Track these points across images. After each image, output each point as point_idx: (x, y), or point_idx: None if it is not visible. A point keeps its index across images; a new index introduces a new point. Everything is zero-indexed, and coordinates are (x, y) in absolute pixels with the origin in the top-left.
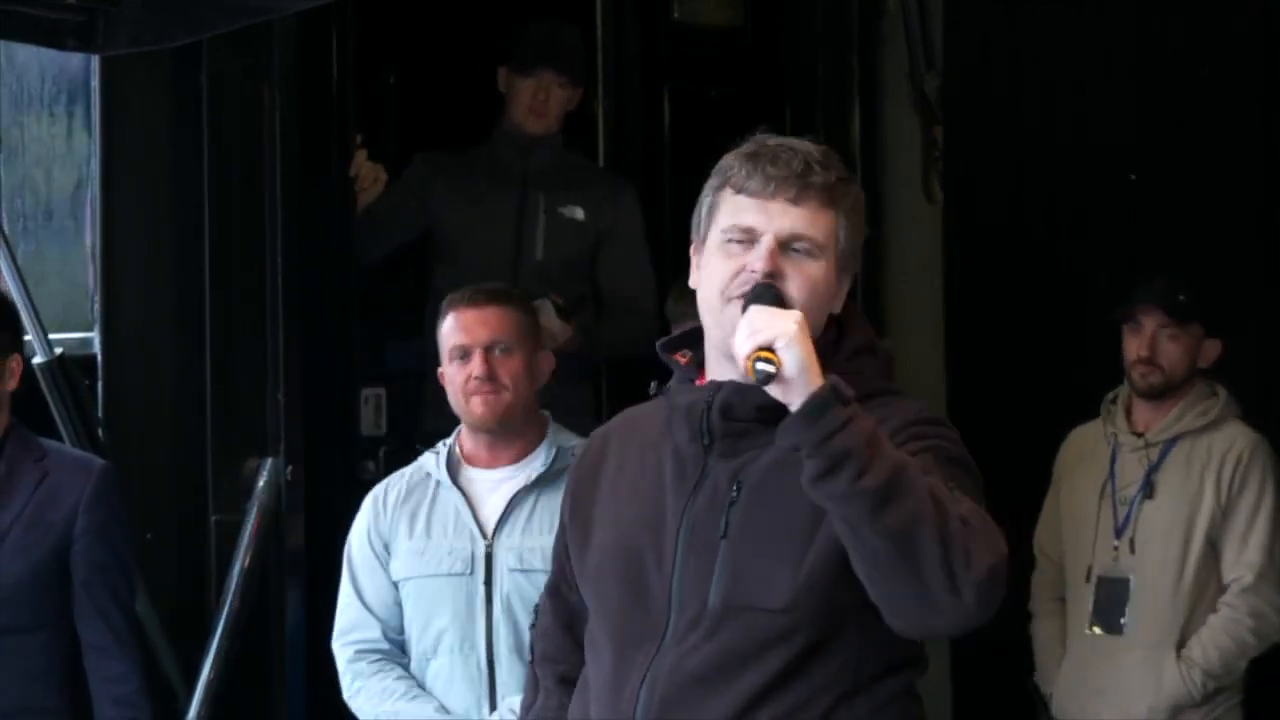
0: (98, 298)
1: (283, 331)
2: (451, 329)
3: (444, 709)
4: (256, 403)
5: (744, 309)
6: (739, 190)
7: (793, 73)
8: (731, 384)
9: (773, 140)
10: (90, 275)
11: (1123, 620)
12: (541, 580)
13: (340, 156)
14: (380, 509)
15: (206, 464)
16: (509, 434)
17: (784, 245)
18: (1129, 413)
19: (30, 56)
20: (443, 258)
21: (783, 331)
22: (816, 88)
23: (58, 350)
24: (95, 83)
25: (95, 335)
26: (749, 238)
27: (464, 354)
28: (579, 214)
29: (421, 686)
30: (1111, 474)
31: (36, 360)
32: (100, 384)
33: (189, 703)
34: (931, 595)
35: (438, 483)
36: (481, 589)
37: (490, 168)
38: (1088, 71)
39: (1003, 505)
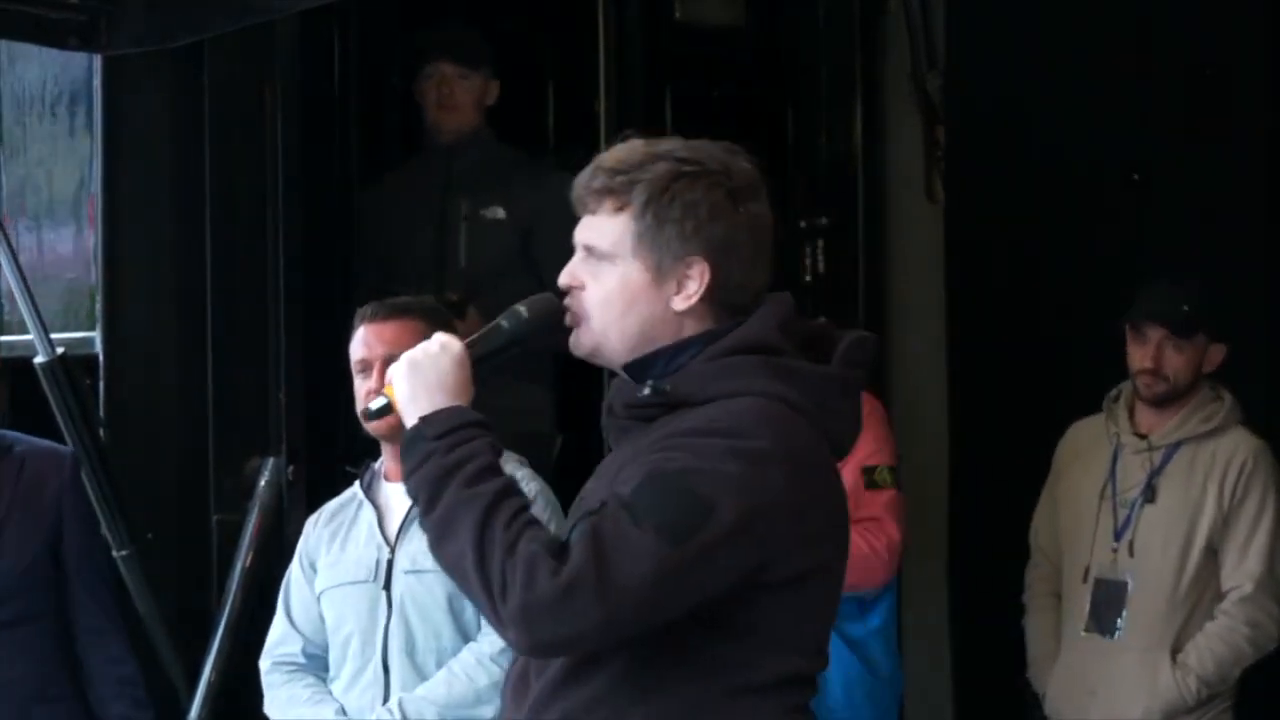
0: (99, 297)
1: (284, 331)
2: (355, 343)
3: (343, 711)
4: (258, 402)
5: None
6: None
7: (795, 72)
8: (617, 382)
9: (606, 151)
10: (92, 275)
11: (1119, 623)
12: (434, 581)
13: (342, 156)
14: (310, 529)
15: (208, 463)
16: None
17: (586, 257)
18: (1132, 413)
19: (32, 56)
20: (380, 270)
21: (396, 366)
22: (818, 87)
23: (59, 350)
24: (97, 82)
25: (97, 335)
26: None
27: (364, 368)
28: (500, 214)
29: (330, 692)
30: (1112, 475)
31: (38, 360)
32: (101, 383)
33: (190, 702)
34: (489, 620)
35: (359, 501)
36: (383, 594)
37: (417, 177)
38: (1090, 71)
39: (1004, 500)
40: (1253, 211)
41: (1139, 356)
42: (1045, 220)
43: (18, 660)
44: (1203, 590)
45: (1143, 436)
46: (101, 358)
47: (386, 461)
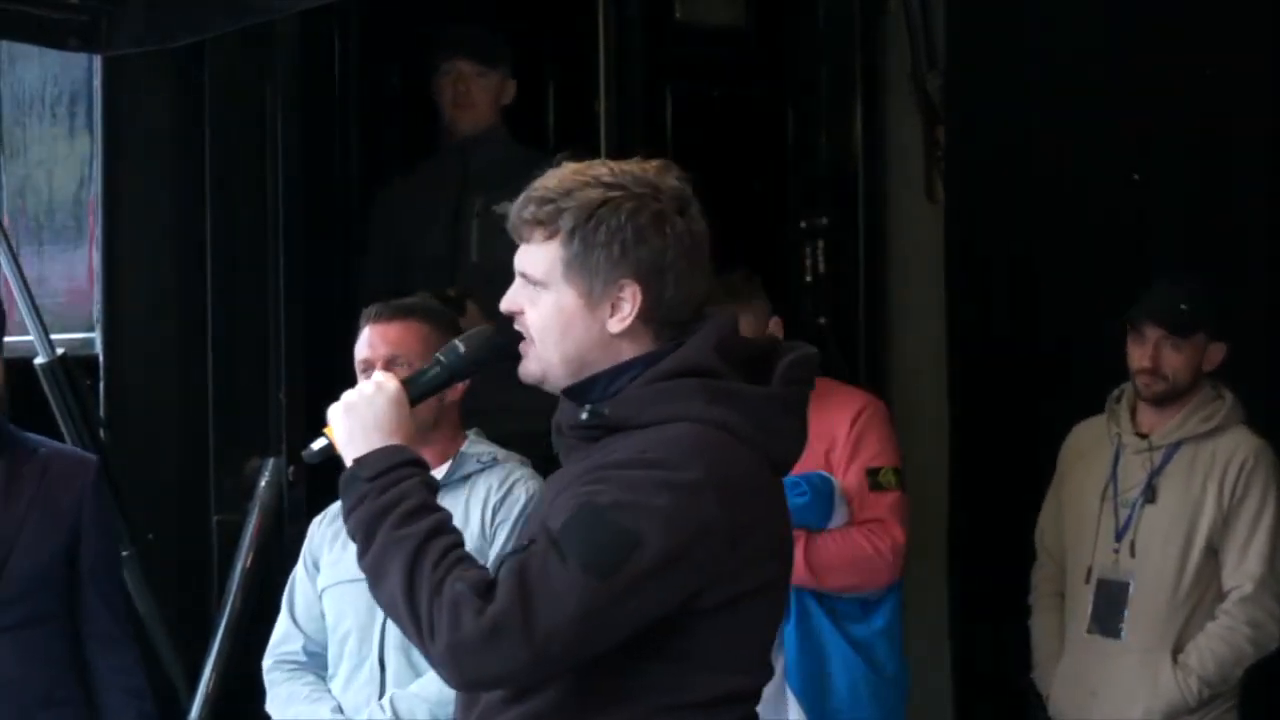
0: (99, 298)
1: (285, 331)
2: (360, 343)
3: (340, 709)
4: (258, 403)
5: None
6: None
7: (795, 72)
8: (562, 403)
9: (537, 180)
10: (92, 276)
11: (1121, 623)
12: None
13: (343, 157)
14: (315, 529)
15: (208, 464)
16: (415, 447)
17: (525, 283)
18: (1133, 413)
19: (33, 57)
20: (396, 267)
21: (333, 408)
22: (819, 87)
23: (59, 350)
24: (97, 83)
25: (97, 335)
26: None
27: (367, 368)
28: None
29: (329, 690)
30: (1113, 475)
31: (38, 360)
32: (102, 384)
33: (191, 703)
34: (425, 658)
35: None
36: None
37: (432, 174)
38: (1090, 71)
39: (1006, 501)
40: (1253, 211)
41: (1138, 356)
42: (1045, 220)
43: (26, 662)
44: (1204, 590)
45: (1144, 436)
46: (101, 358)
47: None
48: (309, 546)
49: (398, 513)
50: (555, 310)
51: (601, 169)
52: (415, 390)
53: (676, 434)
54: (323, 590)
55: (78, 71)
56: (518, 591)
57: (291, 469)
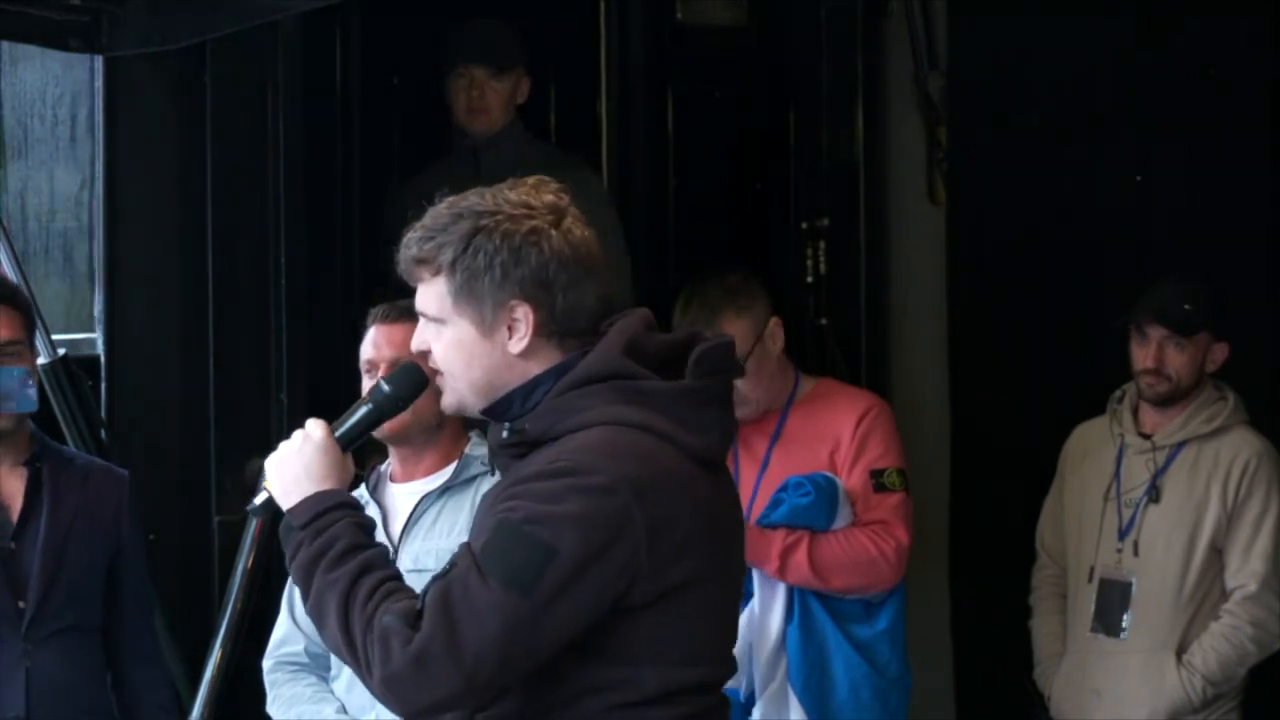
0: (101, 298)
1: (286, 332)
2: (365, 343)
3: (344, 710)
4: (260, 403)
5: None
6: None
7: (796, 73)
8: (491, 426)
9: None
10: (94, 276)
11: (1124, 623)
12: None
13: (344, 157)
14: None
15: (210, 465)
16: (419, 449)
17: (426, 321)
18: (1136, 413)
19: (34, 57)
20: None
21: (268, 465)
22: (820, 88)
23: (61, 351)
24: (99, 84)
25: (98, 336)
26: None
27: (371, 368)
28: None
29: (331, 691)
30: (1117, 475)
31: (40, 361)
32: (103, 385)
33: (192, 703)
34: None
35: (366, 501)
36: None
37: (444, 177)
38: (1092, 71)
39: (1007, 501)
40: (1256, 211)
41: (1141, 356)
42: (1047, 221)
43: (74, 668)
44: (1207, 590)
45: (1147, 436)
46: (103, 359)
47: (393, 463)
48: None
49: (329, 557)
50: (455, 343)
51: (474, 198)
52: (344, 436)
53: (587, 440)
54: None
55: (79, 72)
56: (441, 617)
57: None
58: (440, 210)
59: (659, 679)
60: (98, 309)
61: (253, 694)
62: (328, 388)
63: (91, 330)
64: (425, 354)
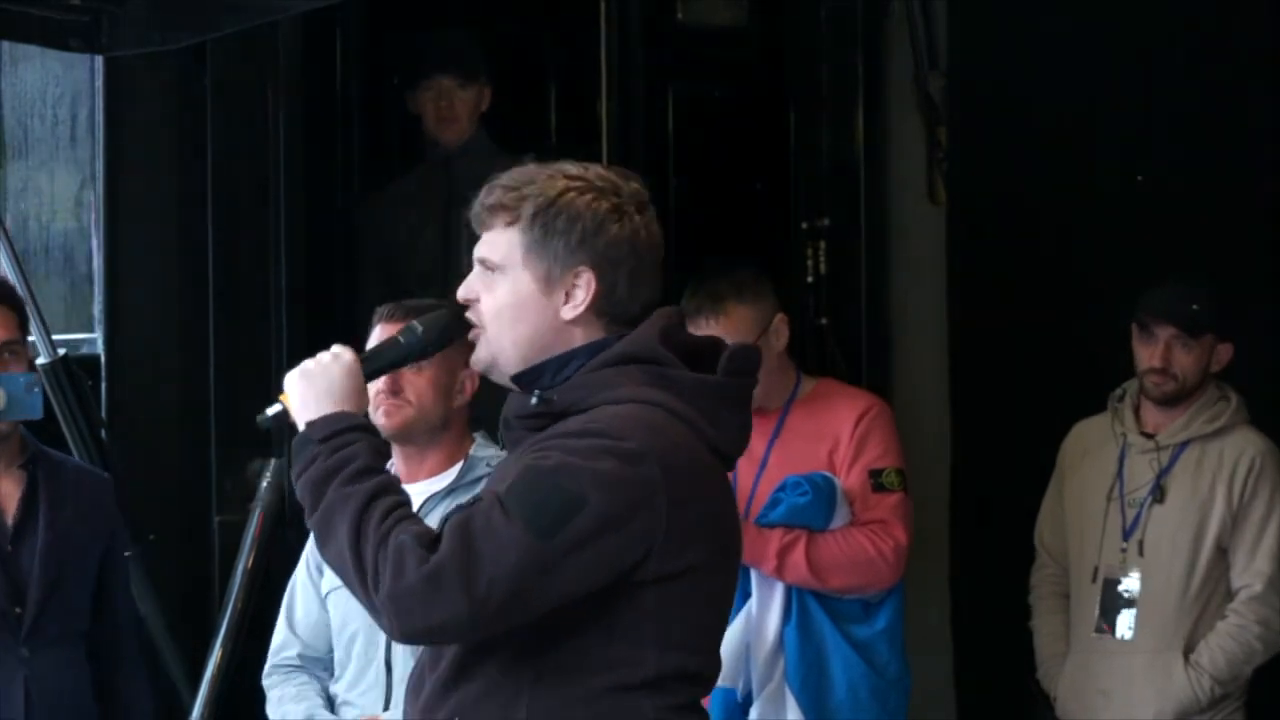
0: (101, 299)
1: (286, 332)
2: (370, 342)
3: (328, 706)
4: (259, 404)
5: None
6: None
7: (797, 73)
8: (511, 395)
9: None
10: (94, 276)
11: (1129, 623)
12: None
13: (344, 157)
14: None
15: (210, 465)
16: (423, 448)
17: (482, 270)
18: (1137, 412)
19: (35, 57)
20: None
21: (289, 378)
22: (820, 88)
23: (61, 351)
24: (99, 84)
25: (99, 336)
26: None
27: None
28: None
29: (327, 692)
30: (1120, 475)
31: (40, 361)
32: (104, 385)
33: (192, 703)
34: (369, 610)
35: None
36: None
37: (419, 188)
38: (1093, 71)
39: (1007, 501)
40: (1258, 212)
41: (1147, 355)
42: (1048, 221)
43: (72, 674)
44: (1213, 590)
45: (1149, 436)
46: (103, 359)
47: (397, 463)
48: (312, 550)
49: (346, 472)
50: (511, 294)
51: (566, 165)
52: (370, 365)
53: (619, 410)
54: (328, 593)
55: (80, 72)
56: (460, 543)
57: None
58: (528, 168)
59: (657, 662)
60: (98, 309)
61: (254, 695)
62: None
63: (91, 330)
64: (469, 304)
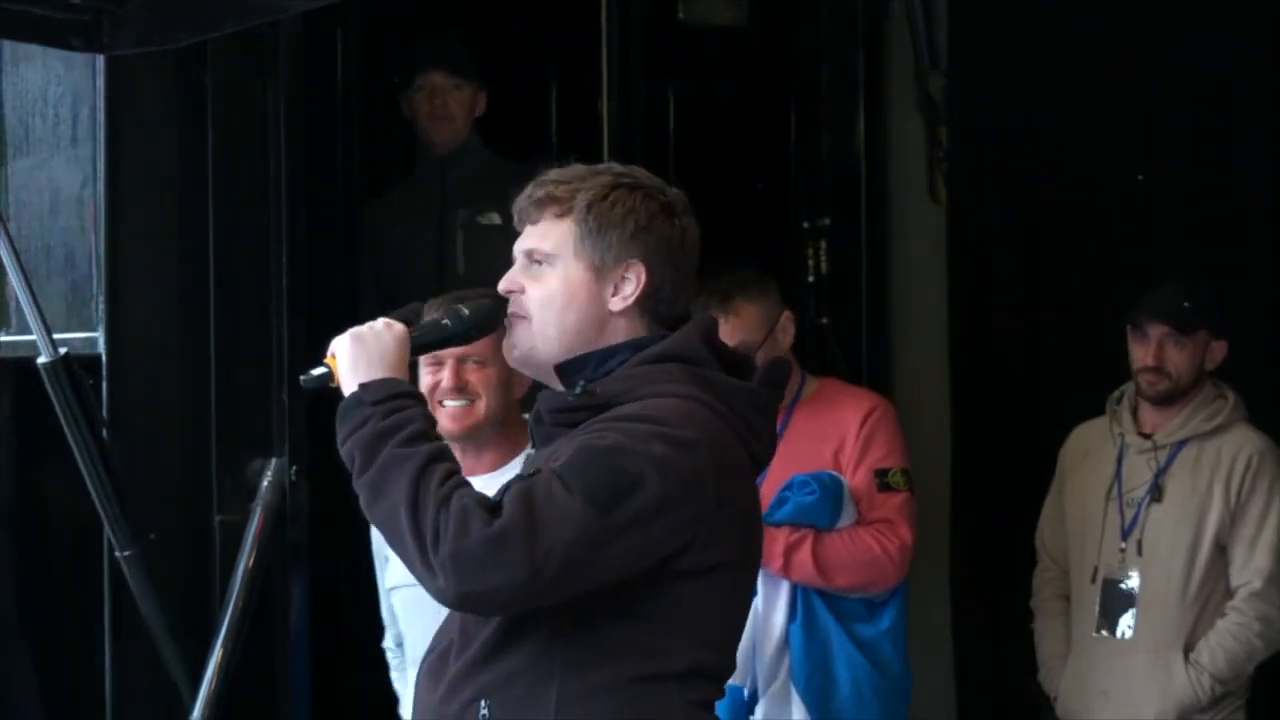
0: (102, 297)
1: (287, 331)
2: None
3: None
4: (261, 403)
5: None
6: None
7: (797, 73)
8: (544, 390)
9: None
10: (94, 275)
11: (1129, 623)
12: None
13: (345, 156)
14: None
15: (211, 464)
16: (481, 445)
17: (528, 263)
18: (1135, 413)
19: (35, 56)
20: (382, 282)
21: (338, 342)
22: (821, 88)
23: (62, 350)
24: (100, 82)
25: (99, 335)
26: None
27: (437, 362)
28: (496, 219)
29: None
30: (1118, 475)
31: (41, 360)
32: (104, 384)
33: (193, 703)
34: (417, 574)
35: None
36: None
37: (414, 192)
38: (1093, 70)
39: (1008, 501)
40: (1258, 211)
41: (1140, 355)
42: (1048, 221)
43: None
44: (1212, 589)
45: (1147, 436)
46: (104, 358)
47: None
48: (379, 542)
49: (403, 434)
50: (562, 283)
51: (613, 165)
52: (417, 339)
53: (668, 401)
54: (391, 588)
55: (81, 71)
56: (522, 510)
57: (294, 469)
58: (576, 166)
59: (689, 655)
60: (99, 308)
61: (256, 693)
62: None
63: (93, 329)
64: (511, 294)
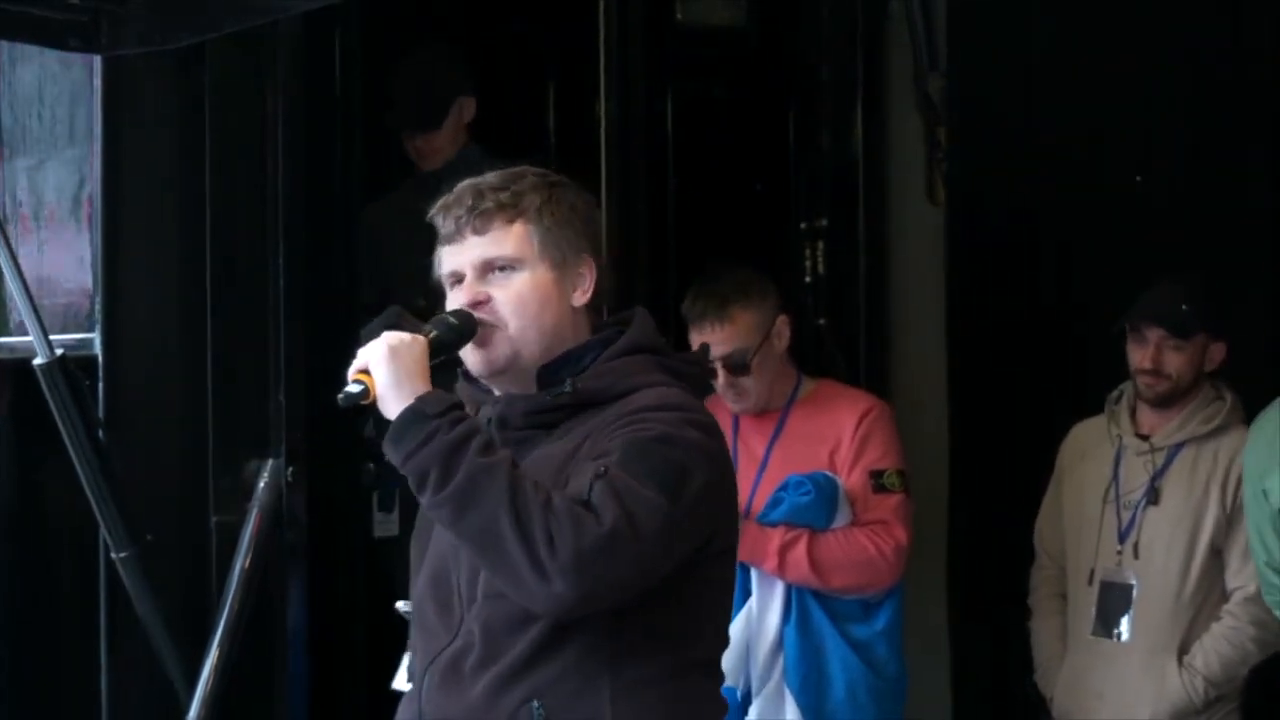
0: (99, 299)
1: (284, 333)
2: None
3: None
4: (258, 404)
5: (430, 340)
6: (442, 242)
7: (796, 74)
8: (506, 395)
9: (459, 185)
10: (91, 276)
11: (1125, 625)
12: None
13: (344, 157)
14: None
15: (207, 465)
16: None
17: (485, 273)
18: (1133, 414)
19: (33, 57)
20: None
21: (373, 354)
22: (820, 89)
23: (59, 351)
24: (98, 83)
25: (96, 336)
26: (459, 279)
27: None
28: None
29: None
30: (1115, 477)
31: (37, 361)
32: (101, 385)
33: (190, 704)
34: (523, 583)
35: None
36: None
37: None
38: (1092, 72)
39: (1006, 502)
40: (1256, 213)
41: (1139, 357)
42: (1047, 222)
43: None
44: (1208, 591)
45: (1145, 438)
46: (101, 359)
47: None
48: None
49: (477, 443)
50: (532, 286)
51: (526, 167)
52: (433, 349)
53: (668, 390)
54: None
55: (78, 72)
56: (618, 505)
57: (290, 470)
58: (493, 174)
59: (712, 641)
60: (96, 309)
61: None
62: (326, 388)
63: (90, 331)
64: (479, 305)
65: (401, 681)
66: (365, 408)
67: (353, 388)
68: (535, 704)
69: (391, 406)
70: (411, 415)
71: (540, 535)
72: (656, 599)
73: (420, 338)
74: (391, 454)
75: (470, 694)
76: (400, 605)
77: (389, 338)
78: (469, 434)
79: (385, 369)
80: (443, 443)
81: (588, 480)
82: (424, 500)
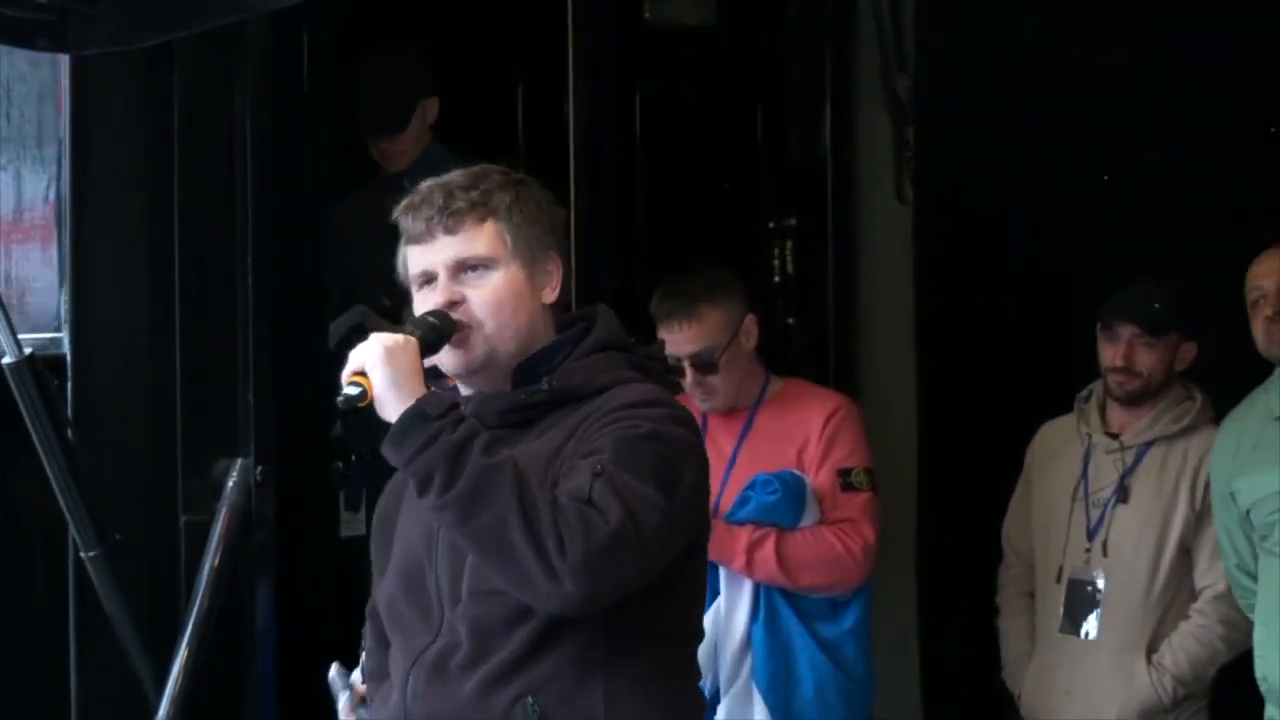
0: (67, 298)
1: (253, 332)
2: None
3: None
4: (227, 403)
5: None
6: (409, 242)
7: (765, 73)
8: (478, 395)
9: (425, 184)
10: (60, 275)
11: (1093, 623)
12: None
13: (313, 157)
14: None
15: (176, 464)
16: None
17: (458, 272)
18: (1103, 412)
19: (1, 55)
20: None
21: (369, 356)
22: (788, 88)
23: (27, 350)
24: (65, 82)
25: (65, 335)
26: (429, 279)
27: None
28: None
29: None
30: (1084, 475)
31: (5, 360)
32: (69, 384)
33: (159, 703)
34: (531, 583)
35: None
36: None
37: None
38: (1059, 71)
39: (975, 501)
40: (1222, 212)
41: (1110, 355)
42: (1015, 221)
43: None
44: (1177, 590)
45: (1114, 436)
46: (70, 359)
47: None
48: None
49: (479, 442)
50: (509, 284)
51: (486, 165)
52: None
53: (646, 386)
54: None
55: (46, 71)
56: (620, 503)
57: (259, 470)
58: (457, 173)
59: (694, 635)
60: (64, 308)
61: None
62: (295, 387)
63: (58, 330)
64: (454, 305)
65: (351, 679)
66: (359, 409)
67: (350, 390)
68: (530, 700)
69: (391, 409)
70: (413, 417)
71: (550, 535)
72: (649, 594)
73: (413, 339)
74: (393, 456)
75: (460, 693)
76: (332, 672)
77: (383, 339)
78: (472, 434)
79: (382, 371)
80: (447, 444)
81: (587, 479)
82: (428, 502)
